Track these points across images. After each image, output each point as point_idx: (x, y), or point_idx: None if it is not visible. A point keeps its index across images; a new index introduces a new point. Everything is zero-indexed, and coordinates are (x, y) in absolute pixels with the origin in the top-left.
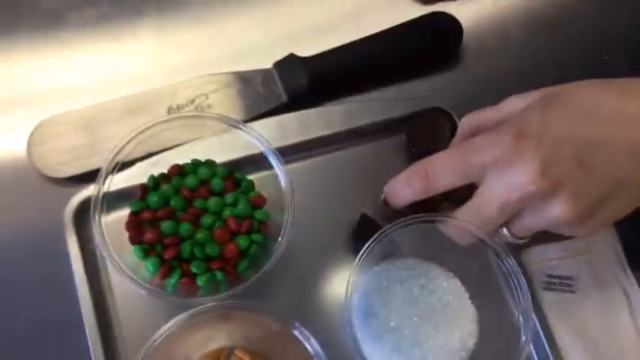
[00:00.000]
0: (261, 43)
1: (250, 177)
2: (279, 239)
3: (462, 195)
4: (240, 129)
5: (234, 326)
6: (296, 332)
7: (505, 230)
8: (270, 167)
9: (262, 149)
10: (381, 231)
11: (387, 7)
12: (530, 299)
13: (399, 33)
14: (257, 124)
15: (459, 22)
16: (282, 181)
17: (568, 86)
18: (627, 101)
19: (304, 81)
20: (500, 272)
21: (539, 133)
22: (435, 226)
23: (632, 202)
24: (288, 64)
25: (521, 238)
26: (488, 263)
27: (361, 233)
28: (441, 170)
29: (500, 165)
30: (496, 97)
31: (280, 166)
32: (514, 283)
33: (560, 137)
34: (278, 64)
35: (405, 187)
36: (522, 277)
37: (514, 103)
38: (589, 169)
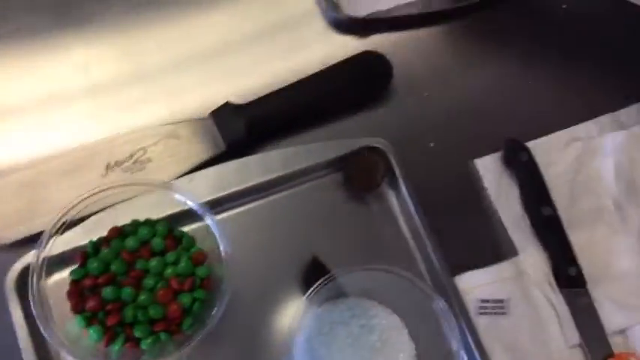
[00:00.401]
0: (197, 93)
1: (193, 228)
2: (221, 293)
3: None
4: (169, 189)
5: None
6: None
7: None
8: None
9: (193, 206)
10: (327, 276)
11: (317, 45)
12: (457, 332)
13: (331, 74)
14: (198, 175)
15: (388, 61)
16: (218, 236)
17: None
18: None
19: (241, 128)
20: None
21: None
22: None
23: None
24: (225, 112)
25: None
26: (421, 300)
27: (311, 277)
28: None
29: None
30: (429, 131)
31: (213, 221)
32: (446, 319)
33: None
34: (214, 114)
35: None
36: (452, 316)
37: None
38: None
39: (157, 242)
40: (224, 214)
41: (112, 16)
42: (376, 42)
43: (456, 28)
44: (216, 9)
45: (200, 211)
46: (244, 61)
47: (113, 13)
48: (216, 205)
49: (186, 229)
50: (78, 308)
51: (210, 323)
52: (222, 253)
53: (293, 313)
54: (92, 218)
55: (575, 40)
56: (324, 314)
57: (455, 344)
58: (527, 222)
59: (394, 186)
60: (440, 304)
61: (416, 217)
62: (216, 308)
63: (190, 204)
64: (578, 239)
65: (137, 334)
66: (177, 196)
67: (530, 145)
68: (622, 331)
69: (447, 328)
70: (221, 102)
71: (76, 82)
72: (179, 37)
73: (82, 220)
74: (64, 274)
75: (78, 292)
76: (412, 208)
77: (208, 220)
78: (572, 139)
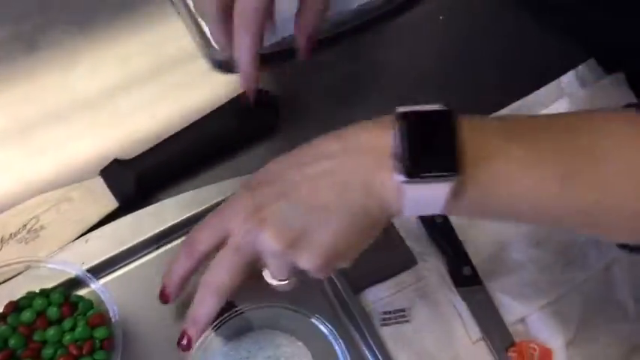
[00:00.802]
0: (85, 154)
1: (91, 290)
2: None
3: None
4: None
5: None
6: None
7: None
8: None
9: (76, 274)
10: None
11: (203, 86)
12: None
13: (217, 115)
14: (93, 235)
15: (273, 96)
16: (104, 299)
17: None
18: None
19: (131, 183)
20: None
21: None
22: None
23: (343, 229)
24: (113, 170)
25: (282, 280)
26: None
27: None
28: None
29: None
30: None
31: (96, 285)
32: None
33: (271, 179)
34: (103, 172)
35: (176, 266)
36: (339, 340)
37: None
38: (291, 200)
39: (52, 311)
40: (124, 269)
41: None
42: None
43: (336, 55)
44: (97, 57)
45: (83, 278)
46: (130, 110)
47: None
48: (115, 262)
49: (84, 291)
50: None
51: None
52: (112, 315)
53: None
54: None
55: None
56: (230, 352)
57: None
58: (423, 230)
59: None
60: (329, 327)
61: None
62: None
63: (72, 272)
64: (475, 239)
65: None
66: (56, 267)
67: None
68: (522, 320)
69: (337, 346)
70: (110, 156)
71: None
72: (60, 88)
73: None
74: None
75: None
76: None
77: (92, 285)
78: None
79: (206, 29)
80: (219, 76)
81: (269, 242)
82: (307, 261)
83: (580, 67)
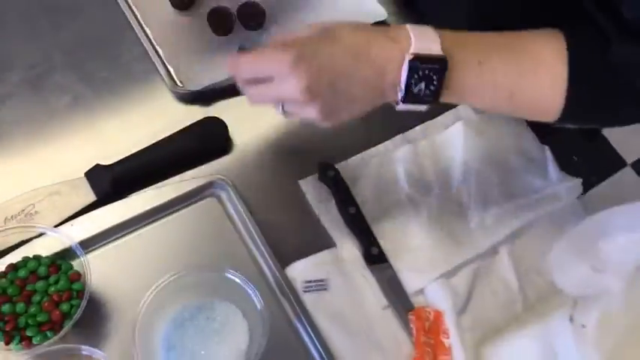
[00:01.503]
0: (74, 160)
1: (75, 261)
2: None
3: None
4: (50, 234)
5: None
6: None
7: (280, 108)
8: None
9: (59, 236)
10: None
11: (168, 114)
12: (262, 308)
13: (179, 137)
14: (76, 221)
15: (224, 123)
16: (80, 256)
17: (345, 26)
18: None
19: (108, 183)
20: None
21: (310, 60)
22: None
23: (360, 110)
24: (95, 172)
25: (290, 114)
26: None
27: None
28: (245, 68)
29: (282, 75)
30: (265, 163)
31: (75, 245)
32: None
33: (323, 67)
34: (87, 174)
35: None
36: (251, 286)
37: (303, 30)
38: (337, 92)
39: (42, 270)
40: (101, 249)
41: None
42: (218, 107)
43: None
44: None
45: (67, 241)
46: (111, 130)
47: None
48: (94, 242)
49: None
50: None
51: (75, 315)
52: (84, 268)
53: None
54: None
55: None
56: (173, 313)
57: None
58: (341, 220)
59: (237, 211)
60: (239, 280)
61: (255, 228)
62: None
63: (63, 238)
64: (384, 227)
65: (29, 334)
66: (55, 234)
67: (342, 164)
68: (420, 291)
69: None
70: (94, 161)
71: None
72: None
73: None
74: None
75: None
76: (250, 224)
77: (71, 244)
78: (372, 156)
79: (172, 70)
80: (181, 106)
81: (314, 114)
82: (330, 124)
83: None
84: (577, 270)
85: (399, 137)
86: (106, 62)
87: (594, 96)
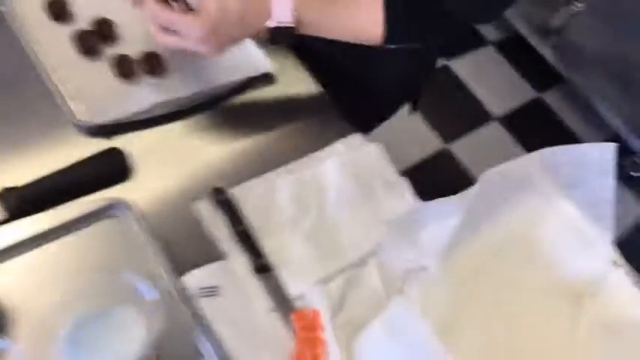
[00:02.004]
0: None
1: None
2: None
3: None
4: None
5: None
6: None
7: None
8: None
9: None
10: None
11: (73, 146)
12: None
13: (82, 164)
14: None
15: (123, 155)
16: None
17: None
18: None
19: (14, 204)
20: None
21: (216, 32)
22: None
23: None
24: (5, 193)
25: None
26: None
27: None
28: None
29: (196, 39)
30: (169, 187)
31: None
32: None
33: (222, 33)
34: None
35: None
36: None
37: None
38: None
39: None
40: (8, 263)
41: None
42: (121, 139)
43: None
44: None
45: None
46: (18, 162)
47: None
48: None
49: None
50: None
51: None
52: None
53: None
54: None
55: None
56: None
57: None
58: (232, 236)
59: (136, 230)
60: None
61: (152, 243)
62: None
63: None
64: (269, 242)
65: None
66: None
67: (234, 189)
68: (301, 296)
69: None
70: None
71: None
72: None
73: None
74: None
75: None
76: (148, 241)
77: None
78: (259, 183)
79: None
80: (85, 139)
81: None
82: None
83: (349, 137)
84: (401, 252)
85: (282, 168)
86: (11, 98)
87: (405, 13)
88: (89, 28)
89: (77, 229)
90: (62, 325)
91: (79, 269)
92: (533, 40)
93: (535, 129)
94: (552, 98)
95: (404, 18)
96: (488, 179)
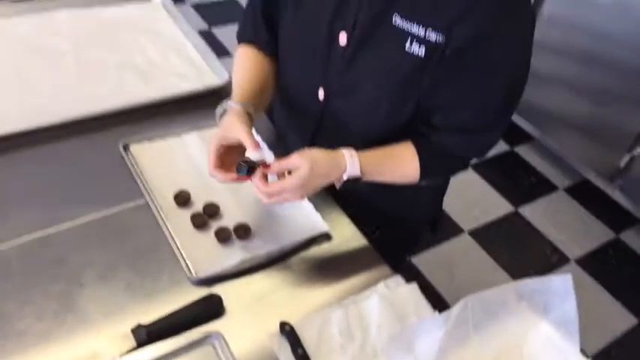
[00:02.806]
0: (118, 320)
1: None
2: None
3: None
4: None
5: None
6: None
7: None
8: None
9: None
10: None
11: (185, 292)
12: None
13: (189, 306)
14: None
15: (220, 298)
16: None
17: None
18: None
19: (145, 335)
20: None
21: (306, 185)
22: None
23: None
24: (136, 329)
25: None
26: None
27: None
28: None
29: (292, 195)
30: (248, 326)
31: None
32: None
33: (311, 187)
34: (132, 329)
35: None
36: None
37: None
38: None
39: None
40: None
41: None
42: (220, 286)
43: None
44: (125, 281)
45: None
46: (148, 304)
47: None
48: None
49: None
50: None
51: None
52: None
53: None
54: None
55: None
56: None
57: None
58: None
59: (227, 356)
60: None
61: None
62: None
63: None
64: None
65: None
66: None
67: (299, 322)
68: None
69: None
70: (135, 323)
71: None
72: None
73: None
74: None
75: None
76: None
77: None
78: (315, 317)
79: (190, 264)
80: (192, 287)
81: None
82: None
83: (387, 280)
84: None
85: (336, 305)
86: (147, 259)
87: (432, 161)
88: (201, 211)
89: (185, 354)
90: None
91: None
92: (601, 184)
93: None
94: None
95: (433, 165)
96: (468, 303)
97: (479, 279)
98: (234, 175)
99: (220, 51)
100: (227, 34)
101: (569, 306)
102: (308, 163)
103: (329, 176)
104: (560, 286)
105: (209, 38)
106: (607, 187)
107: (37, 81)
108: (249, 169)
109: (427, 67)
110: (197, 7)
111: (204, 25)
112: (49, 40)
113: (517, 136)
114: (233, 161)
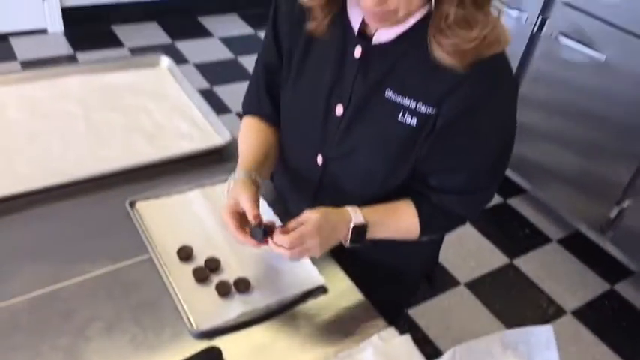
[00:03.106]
0: None
1: None
2: None
3: None
4: None
5: None
6: None
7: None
8: None
9: None
10: None
11: (178, 346)
12: None
13: (192, 357)
14: None
15: (220, 350)
16: None
17: (322, 217)
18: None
19: None
20: None
21: (319, 242)
22: None
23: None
24: None
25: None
26: None
27: None
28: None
29: (309, 251)
30: None
31: None
32: None
33: (322, 243)
34: None
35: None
36: None
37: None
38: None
39: None
40: None
41: None
42: (220, 339)
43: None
44: (129, 334)
45: None
46: (152, 356)
47: None
48: None
49: None
50: None
51: None
52: None
53: None
54: None
55: None
56: None
57: None
58: None
59: None
60: None
61: None
62: None
63: None
64: None
65: None
66: None
67: None
68: None
69: None
70: None
71: None
72: None
73: None
74: None
75: None
76: None
77: None
78: None
79: (192, 318)
80: (193, 340)
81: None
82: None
83: (382, 332)
84: None
85: (332, 358)
86: (151, 312)
87: (432, 218)
88: (203, 265)
89: None
90: None
91: None
92: (593, 235)
93: (610, 320)
94: (625, 289)
95: (433, 221)
96: (456, 352)
97: (475, 330)
98: (254, 241)
99: (221, 108)
100: (228, 92)
101: (551, 355)
102: (318, 212)
103: (337, 228)
104: (542, 336)
105: (211, 96)
106: (598, 238)
107: (49, 142)
108: (264, 232)
109: (420, 136)
110: (199, 67)
111: (205, 84)
112: (60, 104)
113: (509, 188)
114: (246, 222)
